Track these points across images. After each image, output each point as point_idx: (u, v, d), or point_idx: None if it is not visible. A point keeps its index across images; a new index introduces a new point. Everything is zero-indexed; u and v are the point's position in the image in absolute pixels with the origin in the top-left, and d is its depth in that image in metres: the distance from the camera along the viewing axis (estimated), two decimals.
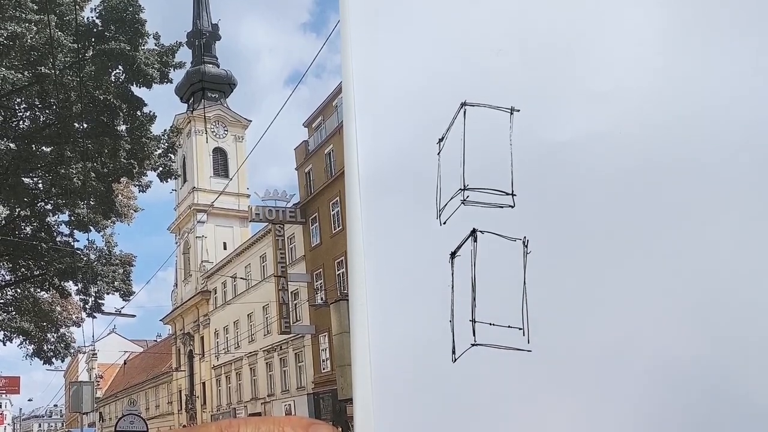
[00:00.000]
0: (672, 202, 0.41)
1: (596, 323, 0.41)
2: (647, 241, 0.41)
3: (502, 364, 0.42)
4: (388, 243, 0.46)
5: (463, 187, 0.44)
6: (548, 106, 0.44)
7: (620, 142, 0.42)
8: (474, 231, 0.44)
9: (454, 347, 0.43)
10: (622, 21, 0.43)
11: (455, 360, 0.43)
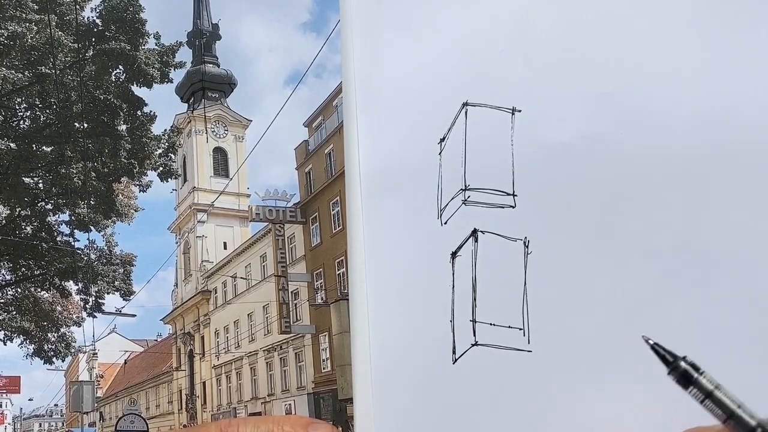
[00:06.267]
0: (672, 201, 0.41)
1: (596, 323, 0.41)
2: (648, 241, 0.41)
3: (502, 364, 0.42)
4: (388, 243, 0.46)
5: (464, 188, 0.44)
6: (550, 106, 0.44)
7: (620, 143, 0.42)
8: (475, 231, 0.44)
9: (454, 347, 0.43)
10: (624, 22, 0.43)
11: (455, 360, 0.43)
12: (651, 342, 0.34)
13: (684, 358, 0.33)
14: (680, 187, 0.41)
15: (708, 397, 0.32)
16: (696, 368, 0.33)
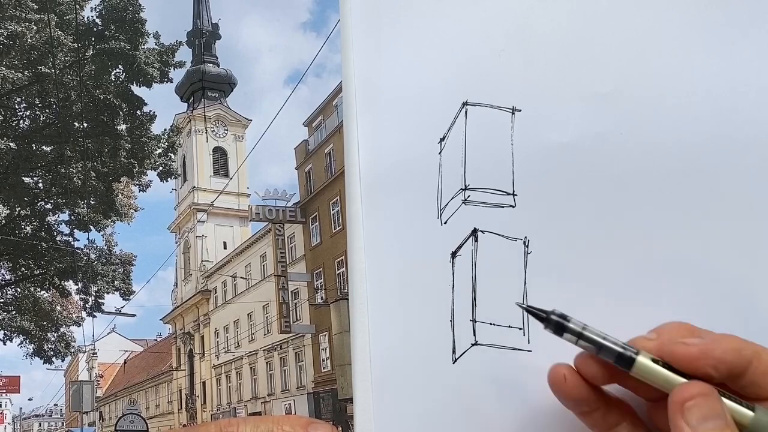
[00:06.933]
0: (672, 202, 0.41)
1: (596, 323, 0.41)
2: (647, 241, 0.41)
3: (502, 364, 0.42)
4: (388, 243, 0.46)
5: (464, 187, 0.44)
6: (549, 106, 0.44)
7: (620, 143, 0.42)
8: (475, 231, 0.44)
9: (454, 347, 0.43)
10: (624, 22, 0.43)
11: (455, 360, 0.43)
12: (524, 305, 0.38)
13: (553, 311, 0.37)
14: (680, 186, 0.41)
15: (579, 337, 0.36)
16: (564, 317, 0.37)
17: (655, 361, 0.35)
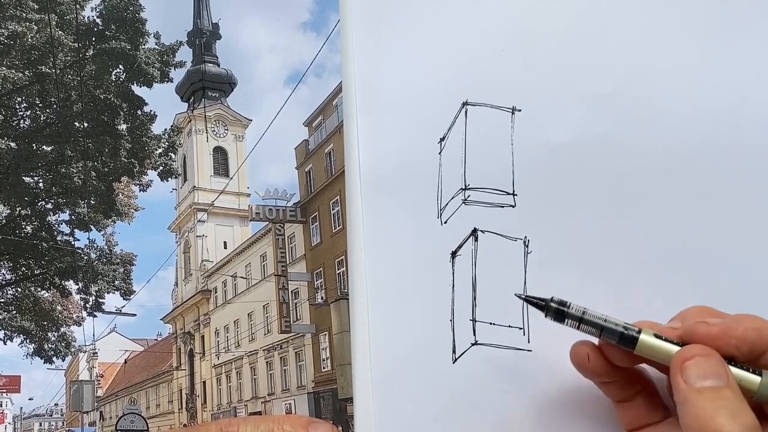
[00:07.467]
0: (672, 202, 0.41)
1: None
2: (648, 240, 0.41)
3: (502, 363, 0.42)
4: (388, 242, 0.46)
5: (464, 187, 0.44)
6: (549, 106, 0.44)
7: (620, 143, 0.42)
8: (475, 230, 0.44)
9: (454, 347, 0.43)
10: (624, 22, 0.44)
11: (455, 359, 0.43)
12: (523, 296, 0.39)
13: (552, 299, 0.37)
14: (680, 186, 0.41)
15: (581, 321, 0.36)
16: (564, 303, 0.37)
17: (658, 336, 0.35)
